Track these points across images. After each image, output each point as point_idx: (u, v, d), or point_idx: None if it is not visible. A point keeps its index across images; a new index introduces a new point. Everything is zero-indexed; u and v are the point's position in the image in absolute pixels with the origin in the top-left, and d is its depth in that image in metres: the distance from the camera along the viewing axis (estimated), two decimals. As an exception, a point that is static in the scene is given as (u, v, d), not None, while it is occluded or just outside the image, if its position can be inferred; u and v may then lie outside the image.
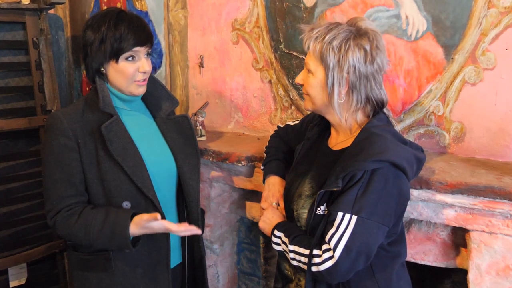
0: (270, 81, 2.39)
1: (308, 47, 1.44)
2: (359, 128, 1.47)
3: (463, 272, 1.75)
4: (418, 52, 1.91)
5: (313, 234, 1.41)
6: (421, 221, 1.78)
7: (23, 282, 2.52)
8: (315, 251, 1.35)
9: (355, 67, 1.37)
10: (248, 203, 2.41)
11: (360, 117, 1.48)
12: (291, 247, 1.43)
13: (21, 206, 2.49)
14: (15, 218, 2.48)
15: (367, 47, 1.37)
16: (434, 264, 1.82)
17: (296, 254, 1.42)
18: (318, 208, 1.40)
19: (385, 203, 1.34)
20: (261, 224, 1.61)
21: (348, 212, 1.31)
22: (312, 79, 1.45)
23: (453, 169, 1.69)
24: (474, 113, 1.83)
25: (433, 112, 1.92)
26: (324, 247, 1.34)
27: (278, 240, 1.50)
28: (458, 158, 1.84)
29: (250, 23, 2.40)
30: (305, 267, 1.39)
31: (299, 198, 1.52)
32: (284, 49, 2.30)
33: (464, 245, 1.71)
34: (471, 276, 1.67)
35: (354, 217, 1.31)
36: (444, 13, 1.83)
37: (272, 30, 2.33)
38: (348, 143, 1.47)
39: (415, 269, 1.92)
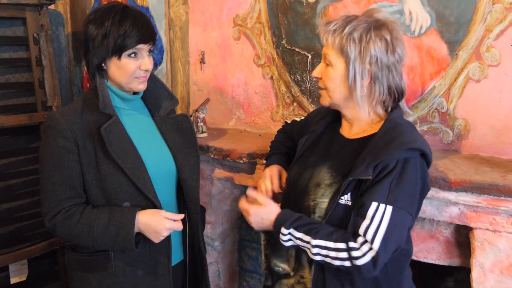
0: (271, 78, 2.38)
1: (326, 40, 1.42)
2: (379, 121, 1.46)
3: (466, 270, 1.75)
4: (422, 48, 1.89)
5: (331, 224, 1.38)
6: (424, 218, 1.77)
7: (24, 278, 2.52)
8: (352, 244, 1.31)
9: (377, 58, 1.36)
10: (249, 200, 2.39)
11: (379, 110, 1.46)
12: (316, 242, 1.35)
13: (22, 203, 2.49)
14: (16, 214, 2.47)
15: (388, 37, 1.36)
16: (437, 262, 1.81)
17: (323, 249, 1.34)
18: (342, 197, 1.37)
19: (414, 193, 1.34)
20: (257, 226, 1.53)
21: (382, 202, 1.29)
22: (332, 71, 1.42)
23: (456, 167, 1.68)
24: (478, 110, 1.81)
25: (436, 109, 1.90)
26: (360, 240, 1.30)
27: (287, 237, 1.43)
28: (461, 156, 1.83)
29: (251, 18, 2.39)
30: (334, 262, 1.34)
31: (317, 187, 1.47)
32: (286, 45, 2.29)
33: (468, 243, 1.70)
34: (474, 275, 1.66)
35: (390, 207, 1.29)
36: (448, 9, 1.81)
37: (274, 26, 2.32)
38: (366, 133, 1.45)
39: (418, 267, 1.91)
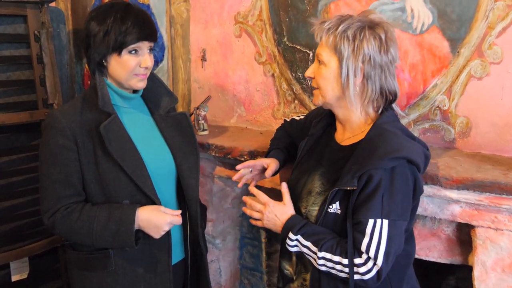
0: (273, 75, 2.37)
1: (320, 39, 1.42)
2: (370, 124, 1.45)
3: (468, 268, 1.74)
4: (424, 45, 1.88)
5: None
6: (426, 216, 1.76)
7: (25, 276, 2.51)
8: (358, 261, 1.31)
9: (370, 56, 1.35)
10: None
11: (370, 111, 1.45)
12: (322, 254, 1.36)
13: (23, 200, 2.49)
14: (17, 212, 2.47)
15: (382, 37, 1.36)
16: (439, 260, 1.81)
17: (328, 261, 1.35)
18: (330, 206, 1.38)
19: (406, 200, 1.34)
20: (266, 222, 1.52)
21: (378, 218, 1.29)
22: (325, 70, 1.42)
23: (458, 165, 1.68)
24: (480, 108, 1.81)
25: (438, 106, 1.90)
26: (364, 256, 1.31)
27: (294, 243, 1.43)
28: (463, 153, 1.82)
29: (253, 16, 2.38)
30: (339, 274, 1.35)
31: (308, 195, 1.49)
32: (287, 43, 2.28)
33: (469, 241, 1.69)
34: (476, 273, 1.65)
35: (386, 221, 1.29)
36: (450, 6, 1.80)
37: (275, 23, 2.31)
38: (357, 138, 1.45)
39: (419, 265, 1.90)
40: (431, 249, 1.80)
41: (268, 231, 2.53)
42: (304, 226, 1.42)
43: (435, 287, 2.19)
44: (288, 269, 1.60)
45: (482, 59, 1.77)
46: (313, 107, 2.23)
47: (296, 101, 2.31)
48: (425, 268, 2.07)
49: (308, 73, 1.48)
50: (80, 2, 3.16)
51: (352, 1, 2.03)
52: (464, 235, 1.74)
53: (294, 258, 1.58)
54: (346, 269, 1.33)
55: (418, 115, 1.94)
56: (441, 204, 1.68)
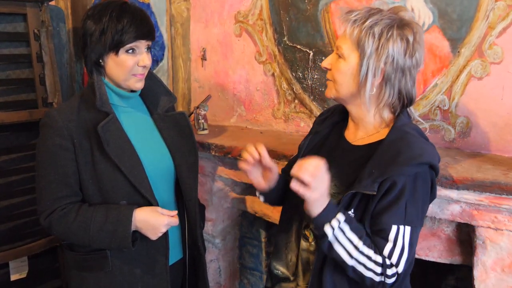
0: (273, 74, 2.37)
1: (344, 30, 1.34)
2: (386, 126, 1.39)
3: (467, 268, 1.74)
4: (424, 45, 1.88)
5: None
6: (426, 216, 1.76)
7: (24, 275, 2.51)
8: (388, 261, 1.26)
9: (393, 58, 1.28)
10: (250, 198, 2.39)
11: (386, 114, 1.39)
12: (362, 248, 1.26)
13: (22, 200, 2.48)
14: (16, 211, 2.46)
15: (410, 39, 1.28)
16: (439, 260, 1.81)
17: (364, 256, 1.26)
18: (349, 212, 1.31)
19: (425, 206, 1.32)
20: (312, 192, 1.23)
21: (401, 224, 1.26)
22: (343, 64, 1.34)
23: (458, 164, 1.67)
24: (480, 108, 1.81)
25: (438, 106, 1.90)
26: (388, 260, 1.27)
27: (335, 225, 1.26)
28: (463, 153, 1.82)
29: (253, 15, 2.38)
30: (366, 272, 1.26)
31: None
32: (287, 42, 2.28)
33: (469, 241, 1.69)
34: (476, 273, 1.65)
35: (408, 228, 1.26)
36: (451, 6, 1.80)
37: (275, 22, 2.31)
38: (372, 138, 1.39)
39: (419, 265, 1.90)
40: (431, 249, 1.80)
41: (267, 230, 2.53)
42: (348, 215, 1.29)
43: (435, 287, 2.19)
44: (279, 269, 1.55)
45: (483, 59, 1.77)
46: (313, 107, 2.24)
47: (296, 101, 2.31)
48: (425, 268, 2.07)
49: (325, 63, 1.40)
50: (80, 0, 3.16)
51: (352, 0, 2.03)
52: (464, 235, 1.73)
53: (287, 259, 1.53)
54: (377, 268, 1.25)
55: (418, 115, 1.92)
56: (441, 204, 1.68)
